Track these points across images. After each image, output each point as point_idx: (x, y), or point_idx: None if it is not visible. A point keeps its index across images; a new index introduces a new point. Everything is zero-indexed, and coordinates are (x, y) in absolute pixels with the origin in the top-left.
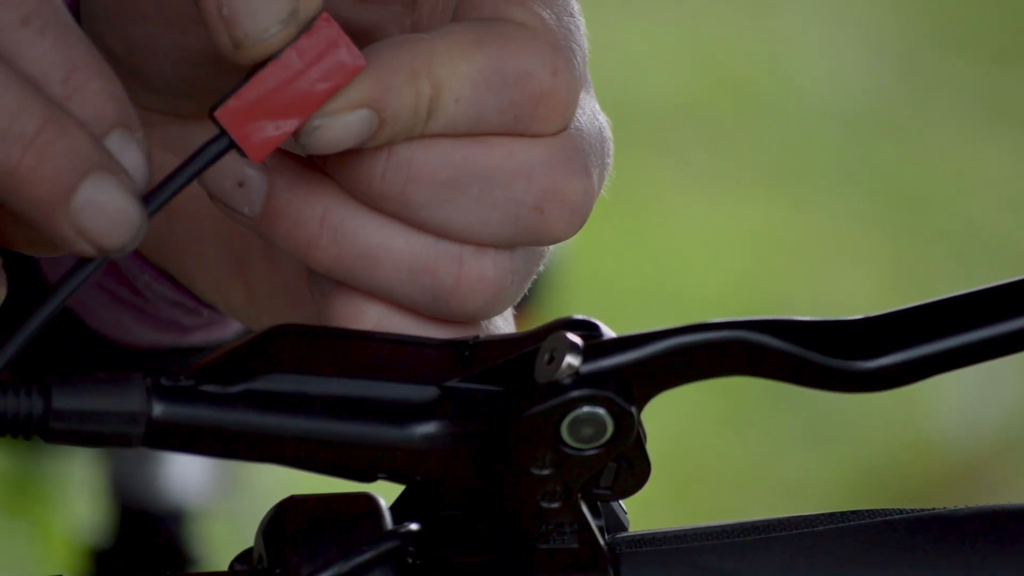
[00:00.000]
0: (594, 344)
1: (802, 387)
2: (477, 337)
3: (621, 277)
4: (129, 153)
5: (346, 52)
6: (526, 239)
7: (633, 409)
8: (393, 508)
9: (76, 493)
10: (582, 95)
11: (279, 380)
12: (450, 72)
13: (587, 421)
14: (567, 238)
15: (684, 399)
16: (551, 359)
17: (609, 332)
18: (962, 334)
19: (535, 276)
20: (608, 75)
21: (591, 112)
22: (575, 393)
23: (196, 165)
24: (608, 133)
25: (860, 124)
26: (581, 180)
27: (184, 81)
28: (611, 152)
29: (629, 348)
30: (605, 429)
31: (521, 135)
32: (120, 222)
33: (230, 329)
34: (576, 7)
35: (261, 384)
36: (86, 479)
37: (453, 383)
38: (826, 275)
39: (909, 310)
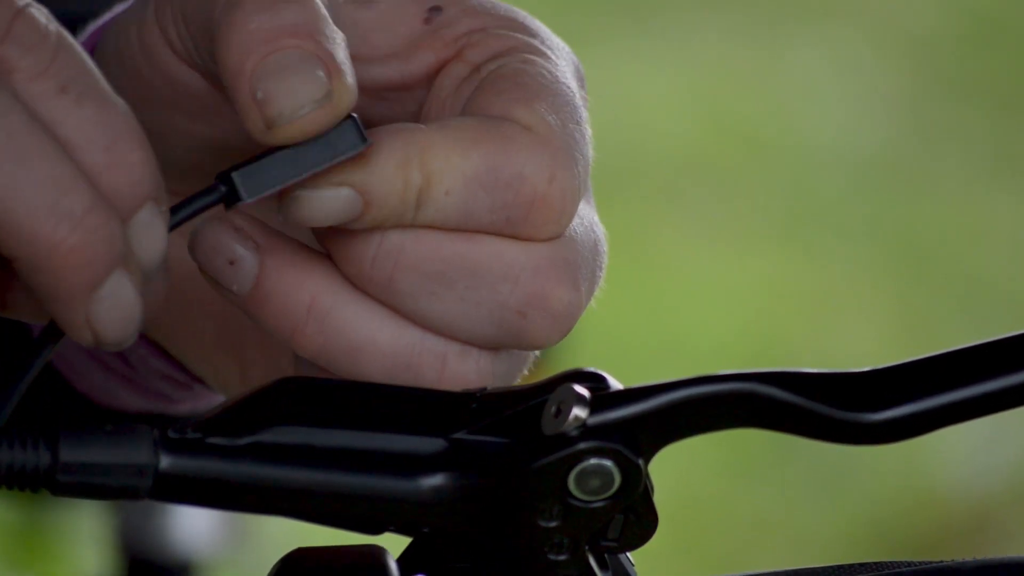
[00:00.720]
0: (601, 396)
1: (810, 439)
2: (484, 389)
3: (629, 328)
4: (155, 229)
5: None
6: (508, 342)
7: (640, 461)
8: (400, 560)
9: (83, 545)
10: (581, 204)
11: (286, 432)
12: (443, 164)
13: (594, 473)
14: (549, 345)
15: (692, 451)
16: (558, 411)
17: (616, 384)
18: (969, 387)
19: (519, 378)
20: (617, 125)
21: (589, 222)
22: (582, 445)
23: (188, 209)
24: (604, 246)
25: (868, 175)
26: (567, 290)
27: (192, 165)
28: (604, 265)
29: (636, 400)
30: (612, 481)
31: (513, 237)
32: (129, 319)
33: (218, 400)
34: (584, 116)
35: (268, 436)
36: (94, 531)
37: (460, 435)
38: (834, 326)
39: (916, 362)
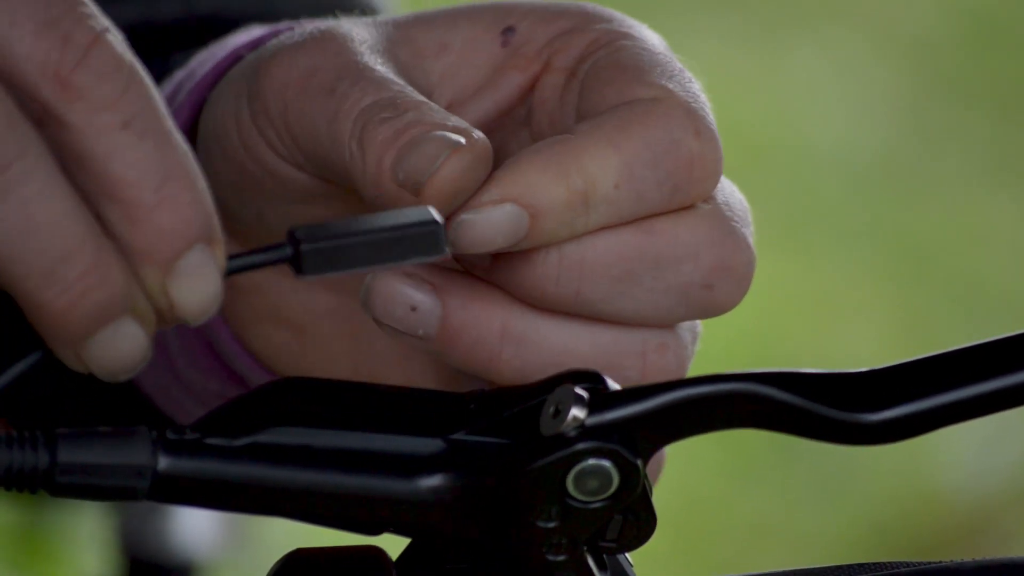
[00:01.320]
0: (599, 396)
1: (809, 440)
2: (482, 390)
3: None
4: (203, 273)
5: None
6: (697, 314)
7: (639, 461)
8: (399, 561)
9: (84, 547)
10: None
11: (284, 433)
12: (601, 162)
13: (592, 474)
14: (735, 306)
15: (692, 452)
16: (556, 412)
17: (614, 384)
18: (968, 387)
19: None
20: None
21: (725, 180)
22: (580, 446)
23: (247, 261)
24: (742, 195)
25: (868, 178)
26: (743, 251)
27: (269, 231)
28: (750, 213)
29: (634, 400)
30: (611, 481)
31: (682, 208)
32: (128, 360)
33: None
34: (689, 74)
35: (266, 437)
36: (94, 532)
37: (459, 436)
38: (834, 328)
39: (915, 363)
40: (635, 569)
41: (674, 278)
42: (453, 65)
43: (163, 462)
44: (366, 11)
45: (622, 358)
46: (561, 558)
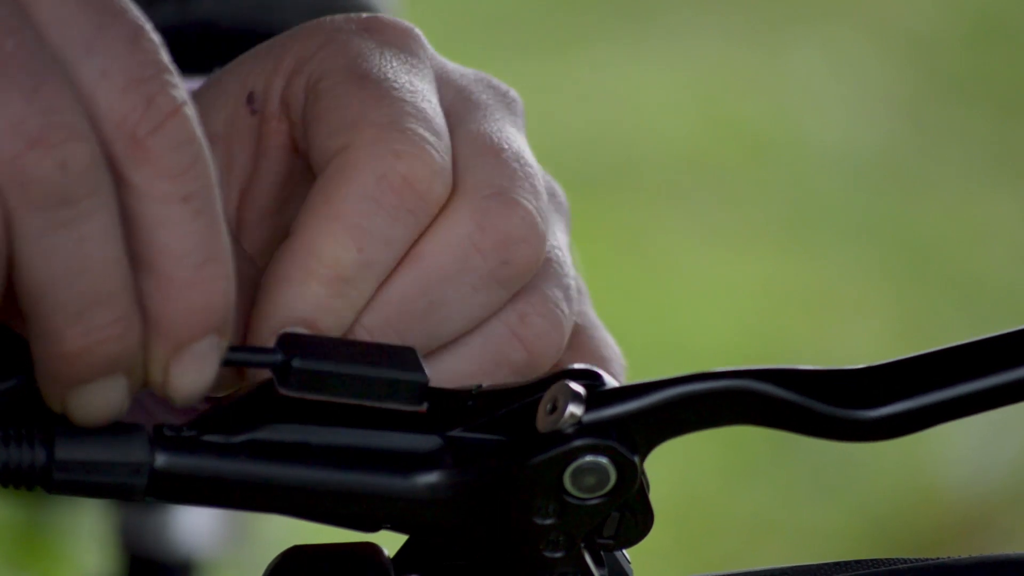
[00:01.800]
0: (597, 393)
1: (807, 436)
2: (480, 386)
3: (628, 327)
4: (206, 363)
5: None
6: (516, 284)
7: (636, 458)
8: (396, 558)
9: (84, 544)
10: None
11: (282, 430)
12: (331, 241)
13: (590, 470)
14: (542, 257)
15: (690, 449)
16: (554, 408)
17: (612, 381)
18: (966, 383)
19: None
20: (617, 126)
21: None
22: (578, 443)
23: (239, 357)
24: (487, 142)
25: (869, 175)
26: (509, 212)
27: None
28: None
29: (632, 397)
30: (608, 478)
31: (433, 221)
32: (104, 414)
33: None
34: (401, 73)
35: (264, 434)
36: (94, 530)
37: (456, 432)
38: (834, 326)
39: (913, 359)
40: (634, 565)
41: (473, 278)
42: (225, 154)
43: (160, 459)
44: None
45: (501, 355)
46: (558, 555)
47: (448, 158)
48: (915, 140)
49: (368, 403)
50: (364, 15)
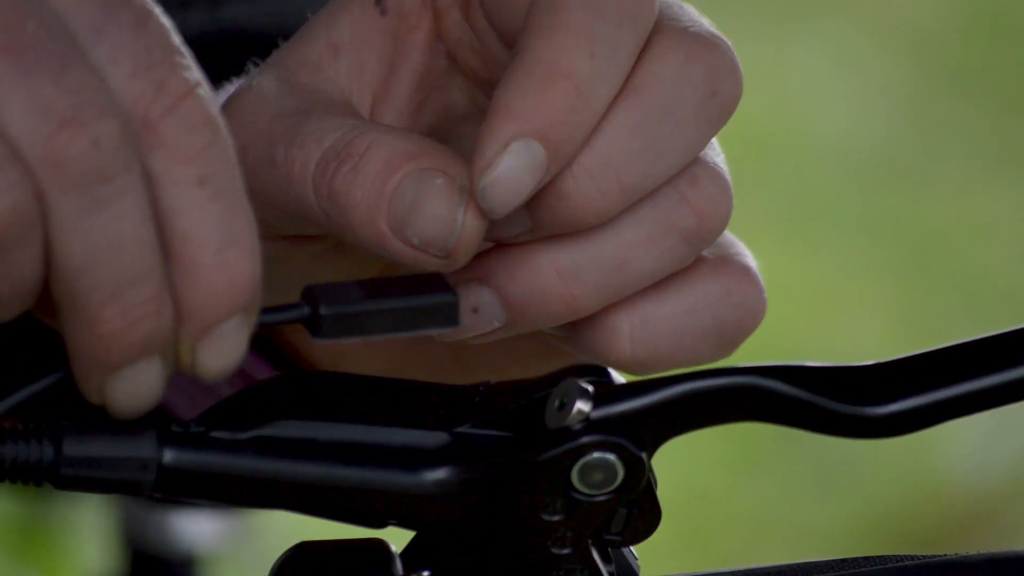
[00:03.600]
0: (604, 390)
1: (814, 433)
2: (488, 382)
3: None
4: (235, 341)
5: None
6: (718, 122)
7: (643, 455)
8: (404, 554)
9: (87, 539)
10: None
11: (289, 426)
12: (565, 48)
13: (597, 467)
14: (741, 94)
15: (695, 446)
16: (561, 405)
17: (619, 378)
18: (973, 380)
19: None
20: None
21: None
22: (585, 439)
23: (265, 318)
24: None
25: (871, 170)
26: (714, 44)
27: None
28: None
29: (639, 394)
30: (615, 475)
31: (645, 44)
32: (143, 400)
33: None
34: None
35: (271, 430)
36: (97, 525)
37: (463, 429)
38: (836, 321)
39: (919, 356)
40: (639, 562)
41: (684, 112)
42: (353, 61)
43: (168, 455)
44: None
45: (670, 221)
46: (566, 551)
47: None
48: (916, 135)
49: (407, 334)
50: None
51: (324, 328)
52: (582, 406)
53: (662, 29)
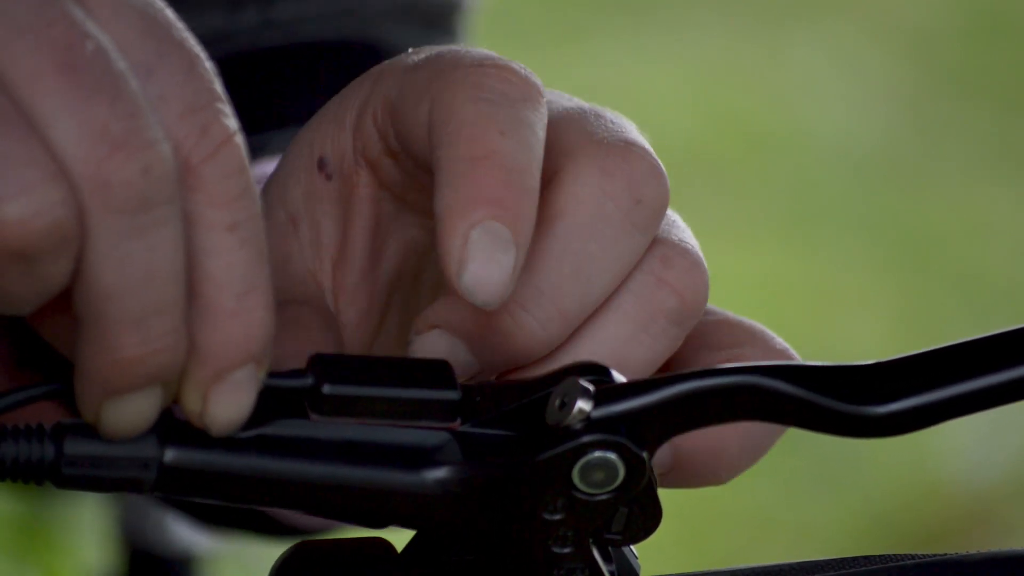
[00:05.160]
0: (605, 389)
1: (815, 432)
2: (488, 382)
3: None
4: (243, 392)
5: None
6: (651, 224)
7: (644, 454)
8: (404, 553)
9: (85, 537)
10: None
11: (291, 425)
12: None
13: (598, 466)
14: (668, 192)
15: None
16: (562, 404)
17: (620, 377)
18: (975, 380)
19: None
20: None
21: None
22: (586, 438)
23: (270, 382)
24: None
25: (870, 169)
26: (618, 141)
27: None
28: None
29: (641, 393)
30: (616, 474)
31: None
32: (135, 427)
33: None
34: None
35: (273, 429)
36: (96, 523)
37: (464, 428)
38: (836, 320)
39: (921, 355)
40: (639, 561)
41: (611, 226)
42: (311, 230)
43: (169, 454)
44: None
45: (653, 307)
46: (566, 550)
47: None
48: (916, 134)
49: (401, 423)
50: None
51: (324, 406)
52: (583, 405)
53: (574, 147)
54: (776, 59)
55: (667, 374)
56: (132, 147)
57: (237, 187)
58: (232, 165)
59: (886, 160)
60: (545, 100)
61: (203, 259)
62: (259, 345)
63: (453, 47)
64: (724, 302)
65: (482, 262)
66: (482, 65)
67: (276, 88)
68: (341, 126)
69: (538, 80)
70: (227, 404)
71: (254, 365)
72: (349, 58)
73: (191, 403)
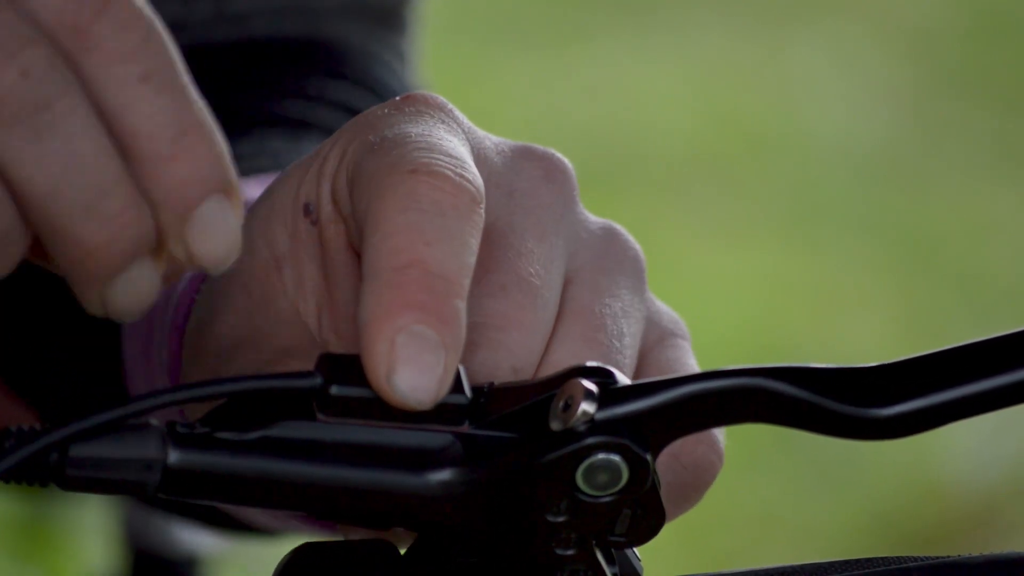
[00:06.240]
0: (609, 391)
1: (819, 435)
2: (492, 384)
3: None
4: (220, 223)
5: None
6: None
7: (648, 456)
8: (407, 555)
9: (89, 539)
10: None
11: (295, 427)
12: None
13: (602, 468)
14: None
15: None
16: (566, 406)
17: (624, 379)
18: (977, 382)
19: None
20: (619, 121)
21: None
22: (590, 440)
23: (273, 383)
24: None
25: (872, 170)
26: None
27: None
28: None
29: (644, 395)
30: (620, 476)
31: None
32: (143, 300)
33: None
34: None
35: (277, 431)
36: (99, 525)
37: (468, 430)
38: (837, 320)
39: (924, 357)
40: (641, 563)
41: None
42: (295, 271)
43: (173, 456)
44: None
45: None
46: (570, 552)
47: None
48: (917, 135)
49: (409, 426)
50: (398, 97)
51: (332, 407)
52: (586, 407)
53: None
54: (777, 59)
55: (671, 376)
56: (4, 54)
57: (136, 36)
58: (125, 16)
59: (887, 160)
60: (481, 206)
61: (123, 117)
62: (214, 179)
63: (413, 129)
64: (724, 302)
65: (411, 364)
66: (416, 172)
67: (232, 84)
68: (322, 175)
69: (475, 186)
70: (207, 239)
71: (220, 196)
72: (302, 54)
73: (177, 252)
